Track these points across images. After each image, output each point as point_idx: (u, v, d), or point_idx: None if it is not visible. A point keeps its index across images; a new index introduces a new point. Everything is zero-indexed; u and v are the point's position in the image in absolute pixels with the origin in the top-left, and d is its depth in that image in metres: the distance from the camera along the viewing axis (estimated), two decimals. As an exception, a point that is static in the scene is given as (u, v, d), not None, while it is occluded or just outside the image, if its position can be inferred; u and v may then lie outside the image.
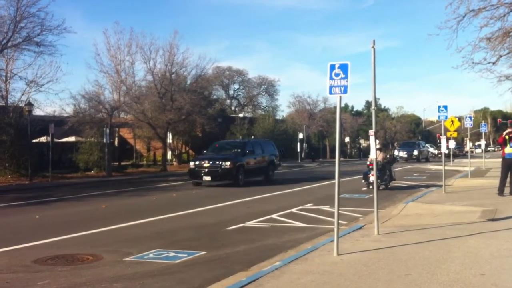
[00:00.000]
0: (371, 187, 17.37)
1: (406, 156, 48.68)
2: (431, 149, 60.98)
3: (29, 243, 9.77)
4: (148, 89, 37.97)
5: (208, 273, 7.43)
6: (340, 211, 8.46)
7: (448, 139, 24.39)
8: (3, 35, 23.95)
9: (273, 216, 13.00)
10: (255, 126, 51.43)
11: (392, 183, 20.55)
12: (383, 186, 19.49)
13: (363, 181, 20.06)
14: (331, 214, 11.87)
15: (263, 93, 68.11)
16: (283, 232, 10.83)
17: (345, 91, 7.96)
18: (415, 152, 49.42)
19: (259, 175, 25.18)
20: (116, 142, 40.81)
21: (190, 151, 49.97)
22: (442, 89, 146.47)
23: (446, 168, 20.84)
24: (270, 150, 26.58)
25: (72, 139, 38.80)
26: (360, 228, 10.63)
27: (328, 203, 14.88)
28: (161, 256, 8.54)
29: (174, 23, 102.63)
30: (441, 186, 18.45)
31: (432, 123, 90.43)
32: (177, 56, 36.80)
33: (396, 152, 47.82)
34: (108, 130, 32.00)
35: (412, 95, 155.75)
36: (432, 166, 36.75)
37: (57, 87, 67.33)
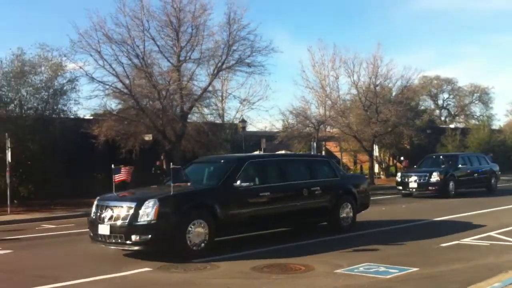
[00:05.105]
0: None
1: (416, 185, 23.61)
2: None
3: (247, 251, 10.45)
4: (352, 102, 38.14)
5: (421, 290, 7.17)
6: None
7: None
8: (218, 59, 26.17)
9: (492, 233, 12.03)
10: (468, 137, 48.33)
11: None
12: None
13: None
14: (561, 234, 10.62)
15: (476, 102, 63.80)
16: (503, 251, 9.98)
17: None
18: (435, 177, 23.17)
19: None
20: (323, 156, 41.68)
21: (398, 164, 48.82)
22: None
23: None
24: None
25: (282, 153, 40.60)
26: None
27: (557, 221, 13.34)
28: (371, 270, 8.47)
29: (377, 35, 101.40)
30: None
31: None
32: (381, 68, 36.34)
33: (398, 178, 25.11)
34: (315, 144, 32.85)
35: None
36: None
37: (267, 104, 71.82)
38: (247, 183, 10.59)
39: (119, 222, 9.54)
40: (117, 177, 12.46)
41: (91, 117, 27.56)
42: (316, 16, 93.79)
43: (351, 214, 13.03)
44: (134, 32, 24.51)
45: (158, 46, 25.33)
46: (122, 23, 24.30)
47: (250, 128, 33.88)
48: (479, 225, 13.44)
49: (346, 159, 48.28)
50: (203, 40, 25.55)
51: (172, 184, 9.90)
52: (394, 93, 39.12)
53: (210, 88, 27.47)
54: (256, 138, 33.65)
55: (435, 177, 23.05)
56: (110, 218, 9.68)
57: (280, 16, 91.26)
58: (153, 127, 25.25)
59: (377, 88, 36.84)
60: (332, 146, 46.17)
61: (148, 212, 9.30)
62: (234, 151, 30.63)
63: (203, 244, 9.80)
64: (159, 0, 25.18)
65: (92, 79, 24.11)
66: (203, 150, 28.92)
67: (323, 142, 40.51)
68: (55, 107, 25.19)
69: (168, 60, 25.96)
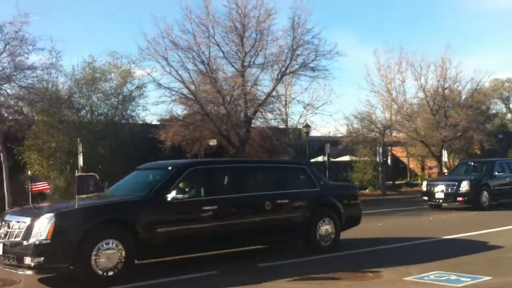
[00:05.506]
0: None
1: (442, 196, 20.73)
2: None
3: (311, 256, 10.32)
4: (419, 106, 37.25)
5: (496, 301, 6.85)
6: None
7: None
8: (282, 63, 26.25)
9: None
10: (543, 141, 46.16)
11: None
12: None
13: None
14: None
15: (551, 105, 60.84)
16: None
17: None
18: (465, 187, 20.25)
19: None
20: (389, 161, 40.93)
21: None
22: None
23: None
24: None
25: (346, 158, 40.21)
26: None
27: None
28: (442, 278, 8.18)
29: (445, 37, 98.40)
30: None
31: None
32: (449, 71, 35.38)
33: (424, 187, 22.26)
34: (380, 149, 32.31)
35: None
36: None
37: (330, 109, 71.31)
38: (183, 195, 8.75)
39: (11, 241, 7.91)
40: (35, 187, 11.30)
41: (158, 123, 28.26)
42: (381, 19, 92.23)
43: (331, 231, 10.76)
44: (200, 39, 25.06)
45: (223, 51, 25.76)
46: (189, 29, 24.97)
47: (313, 133, 33.79)
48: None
49: (413, 164, 47.21)
50: (267, 45, 25.78)
51: (76, 196, 8.13)
52: (463, 97, 37.95)
53: (273, 93, 27.59)
54: (320, 143, 33.48)
55: (464, 187, 20.10)
56: (6, 235, 8.05)
57: (345, 19, 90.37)
58: (217, 132, 25.59)
59: (446, 91, 35.85)
60: (398, 151, 45.27)
61: (41, 229, 7.59)
62: (297, 156, 30.56)
63: (118, 268, 7.97)
64: (224, 6, 25.62)
65: (159, 85, 24.84)
66: (266, 154, 29.06)
67: (389, 147, 39.82)
68: (124, 113, 26.01)
69: (233, 66, 26.31)
